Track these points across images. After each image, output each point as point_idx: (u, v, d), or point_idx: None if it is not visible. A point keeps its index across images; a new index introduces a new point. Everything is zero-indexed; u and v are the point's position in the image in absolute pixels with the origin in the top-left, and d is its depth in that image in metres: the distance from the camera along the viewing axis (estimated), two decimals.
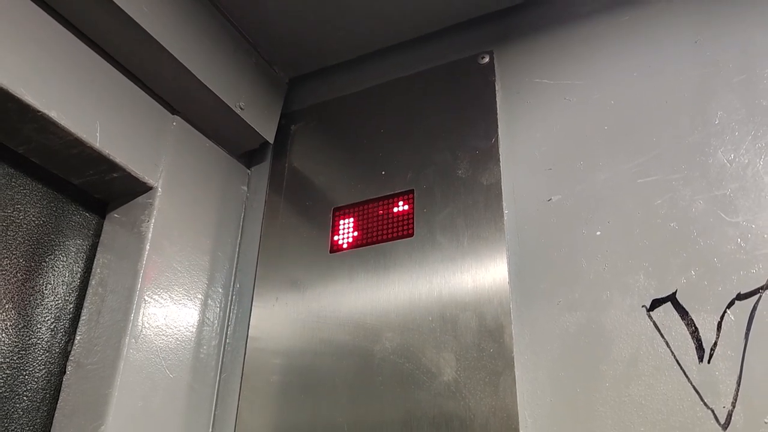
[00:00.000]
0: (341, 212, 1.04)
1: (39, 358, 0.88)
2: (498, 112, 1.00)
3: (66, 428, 0.84)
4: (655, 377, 0.74)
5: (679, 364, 0.74)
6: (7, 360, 0.84)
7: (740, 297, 0.74)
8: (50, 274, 0.92)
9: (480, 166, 0.97)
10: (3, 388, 0.83)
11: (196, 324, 1.00)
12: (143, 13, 0.92)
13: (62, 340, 0.91)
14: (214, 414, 0.98)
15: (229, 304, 1.07)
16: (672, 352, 0.75)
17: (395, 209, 1.00)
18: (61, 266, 0.93)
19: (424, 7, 1.11)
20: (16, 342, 0.85)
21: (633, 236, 0.83)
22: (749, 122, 0.84)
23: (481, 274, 0.88)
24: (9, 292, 0.86)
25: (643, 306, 0.79)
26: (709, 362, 0.73)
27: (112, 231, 0.99)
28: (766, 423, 0.67)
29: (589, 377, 0.77)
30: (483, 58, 1.06)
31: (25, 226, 0.90)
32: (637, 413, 0.73)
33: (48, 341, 0.89)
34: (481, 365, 0.82)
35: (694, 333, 0.75)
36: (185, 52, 0.99)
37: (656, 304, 0.78)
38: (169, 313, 0.95)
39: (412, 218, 0.98)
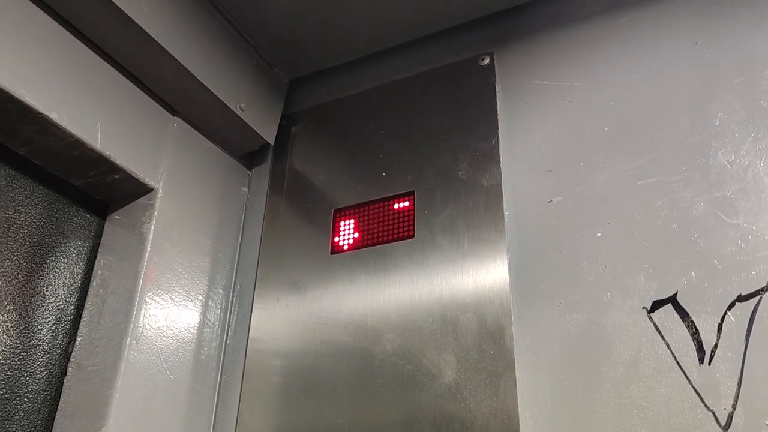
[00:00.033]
0: (342, 213, 1.04)
1: (40, 360, 0.88)
2: (498, 113, 1.00)
3: (67, 430, 0.84)
4: (656, 379, 0.74)
5: (679, 366, 0.74)
6: (8, 361, 0.84)
7: (741, 299, 0.74)
8: (51, 276, 0.92)
9: (480, 168, 0.97)
10: (4, 390, 0.83)
11: (196, 325, 1.00)
12: (143, 13, 0.92)
13: (63, 341, 0.91)
14: (215, 415, 0.98)
15: (229, 305, 1.07)
16: (673, 354, 0.75)
17: (396, 210, 1.00)
18: (62, 268, 0.94)
19: (425, 9, 1.11)
20: (17, 343, 0.86)
21: (633, 238, 0.83)
22: (749, 124, 0.84)
23: (481, 276, 0.88)
24: (10, 294, 0.86)
25: (643, 307, 0.79)
26: (709, 364, 0.73)
27: (112, 232, 0.99)
28: (767, 425, 0.67)
29: (590, 379, 0.77)
30: (483, 59, 1.06)
31: (26, 227, 0.90)
32: (637, 415, 0.73)
33: (49, 343, 0.89)
34: (482, 367, 0.82)
35: (695, 335, 0.75)
36: (186, 53, 0.99)
37: (657, 305, 0.78)
38: (169, 315, 0.96)
39: (413, 219, 0.98)
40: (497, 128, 0.99)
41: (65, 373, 0.89)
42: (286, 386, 0.93)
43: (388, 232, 0.99)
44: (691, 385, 0.72)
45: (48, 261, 0.92)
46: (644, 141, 0.89)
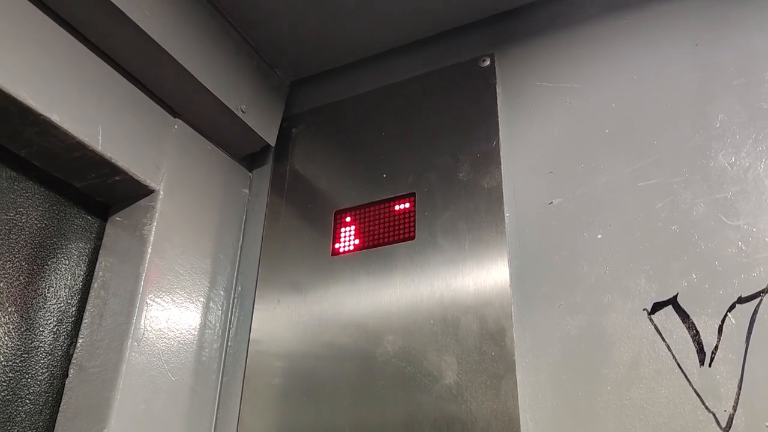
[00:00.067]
0: (343, 215, 1.04)
1: (41, 361, 0.88)
2: (499, 115, 1.01)
3: (68, 431, 0.85)
4: (657, 381, 0.74)
5: (680, 368, 0.74)
6: (10, 363, 0.84)
7: (741, 300, 0.74)
8: (52, 277, 0.92)
9: (481, 169, 0.97)
10: (6, 391, 0.83)
11: (197, 327, 1.00)
12: (145, 16, 0.92)
13: (64, 343, 0.91)
14: (216, 417, 0.98)
15: (230, 306, 1.07)
16: (673, 356, 0.75)
17: (396, 212, 1.00)
18: (63, 269, 0.94)
19: (426, 11, 1.11)
20: (18, 345, 0.86)
21: (634, 239, 0.83)
22: (750, 125, 0.84)
23: (482, 277, 0.88)
24: (11, 295, 0.86)
25: (644, 309, 0.79)
26: (710, 366, 0.73)
27: (114, 234, 0.99)
28: (767, 426, 0.67)
29: (591, 380, 0.77)
30: (484, 61, 1.06)
31: (27, 229, 0.90)
32: (638, 417, 0.73)
33: (50, 344, 0.90)
34: (483, 368, 0.82)
35: (695, 336, 0.75)
36: (187, 54, 0.99)
37: (657, 307, 0.78)
38: (171, 316, 0.96)
39: (414, 221, 0.98)
40: (498, 130, 0.99)
41: (67, 375, 0.89)
42: (287, 388, 0.93)
43: (388, 233, 0.99)
44: (692, 387, 0.72)
45: (49, 263, 0.92)
46: (645, 142, 0.89)
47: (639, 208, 0.85)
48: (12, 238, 0.87)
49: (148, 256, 0.94)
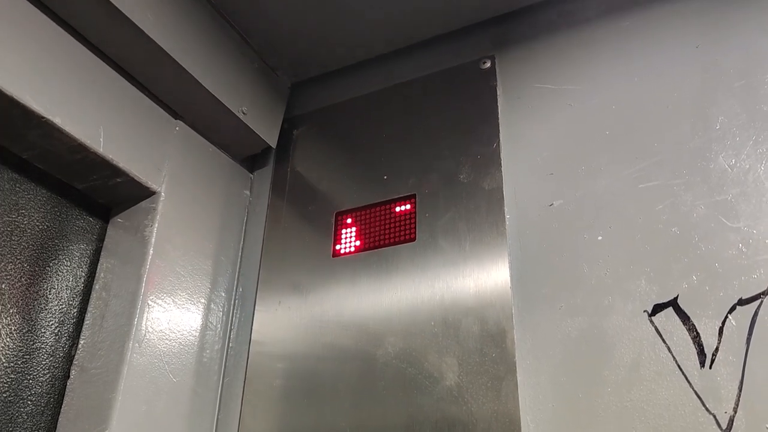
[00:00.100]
0: (344, 216, 1.05)
1: (43, 363, 0.88)
2: (499, 116, 1.01)
3: None
4: (657, 382, 0.74)
5: (680, 370, 0.74)
6: (12, 364, 0.84)
7: (741, 302, 0.74)
8: (54, 279, 0.92)
9: (482, 171, 0.97)
10: (7, 393, 0.83)
11: (199, 328, 1.00)
12: (146, 17, 0.92)
13: (66, 344, 0.92)
14: (217, 418, 0.99)
15: (231, 308, 1.08)
16: (674, 357, 0.75)
17: (397, 214, 1.00)
18: (64, 271, 0.94)
19: (426, 12, 1.11)
20: (20, 346, 0.86)
21: (634, 241, 0.83)
22: (750, 127, 0.84)
23: (483, 279, 0.89)
24: (13, 297, 0.86)
25: (644, 311, 0.79)
26: (710, 367, 0.73)
27: (115, 235, 0.99)
28: (767, 428, 0.68)
29: (591, 382, 0.78)
30: (485, 62, 1.06)
31: (29, 230, 0.90)
32: (638, 418, 0.73)
33: (52, 346, 0.90)
34: (484, 370, 0.82)
35: (696, 338, 0.75)
36: (188, 56, 1.00)
37: (658, 309, 0.78)
38: (172, 318, 0.96)
39: (414, 223, 0.98)
40: (498, 131, 0.99)
41: (68, 376, 0.89)
42: (288, 389, 0.93)
43: (389, 235, 0.99)
44: (692, 389, 0.73)
45: (51, 264, 0.92)
46: (645, 144, 0.89)
47: (639, 210, 0.85)
48: (14, 240, 0.88)
49: (150, 257, 0.94)
